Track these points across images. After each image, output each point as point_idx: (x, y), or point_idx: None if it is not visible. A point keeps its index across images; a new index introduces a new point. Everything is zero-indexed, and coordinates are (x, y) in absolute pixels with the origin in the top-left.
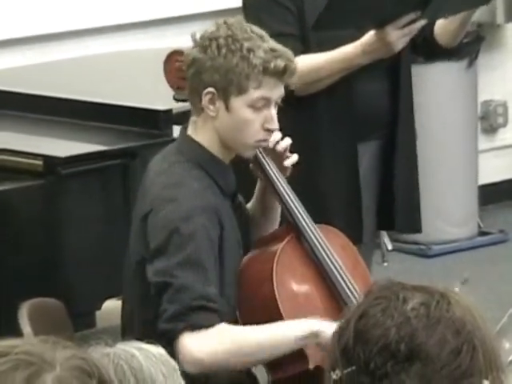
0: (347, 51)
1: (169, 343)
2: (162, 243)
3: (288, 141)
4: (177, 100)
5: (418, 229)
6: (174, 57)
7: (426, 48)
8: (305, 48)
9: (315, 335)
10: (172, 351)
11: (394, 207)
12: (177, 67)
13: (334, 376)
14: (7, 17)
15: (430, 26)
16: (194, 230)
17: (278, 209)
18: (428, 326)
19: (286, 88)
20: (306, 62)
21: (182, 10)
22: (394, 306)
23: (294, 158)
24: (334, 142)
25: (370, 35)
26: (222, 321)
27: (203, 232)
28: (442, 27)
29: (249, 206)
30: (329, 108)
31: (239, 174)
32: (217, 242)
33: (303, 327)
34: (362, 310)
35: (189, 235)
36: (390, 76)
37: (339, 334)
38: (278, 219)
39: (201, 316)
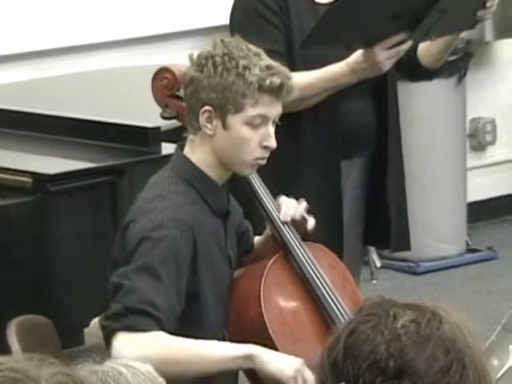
0: (335, 70)
1: (105, 340)
2: (131, 250)
3: (303, 205)
4: (164, 118)
5: (406, 247)
6: (161, 74)
7: (409, 68)
8: (291, 66)
9: (250, 359)
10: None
11: (383, 225)
12: (164, 85)
13: None
14: None
15: (414, 46)
16: (161, 238)
17: None
18: (418, 344)
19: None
20: (295, 79)
21: (172, 27)
22: (385, 322)
23: (312, 221)
24: (317, 159)
25: (357, 54)
26: (161, 329)
27: (171, 243)
28: (425, 49)
29: (256, 239)
30: (313, 126)
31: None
32: (188, 258)
33: (242, 349)
34: (352, 326)
35: (155, 243)
36: (377, 93)
37: (329, 349)
38: None
39: (139, 319)
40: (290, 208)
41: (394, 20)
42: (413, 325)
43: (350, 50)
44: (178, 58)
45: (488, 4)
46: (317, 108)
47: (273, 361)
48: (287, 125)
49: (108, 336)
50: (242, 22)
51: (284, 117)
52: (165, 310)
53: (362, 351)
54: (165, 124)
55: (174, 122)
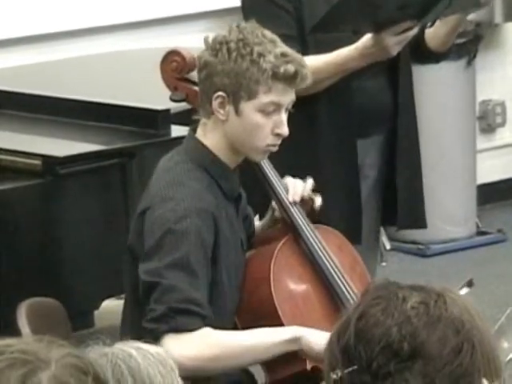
0: (344, 54)
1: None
2: (156, 243)
3: (310, 183)
4: (173, 100)
5: (422, 224)
6: (170, 57)
7: (417, 51)
8: (303, 50)
9: (298, 341)
10: None
11: (398, 203)
12: (173, 67)
13: (334, 376)
14: (3, 17)
15: (422, 29)
16: (187, 231)
17: None
18: (429, 324)
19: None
20: (307, 63)
21: (179, 10)
22: (394, 305)
23: (319, 200)
24: (333, 141)
25: (366, 39)
26: (206, 325)
27: (197, 234)
28: (432, 32)
29: (258, 224)
30: (327, 107)
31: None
32: (210, 246)
33: (287, 332)
34: (361, 309)
35: (182, 236)
36: (391, 72)
37: (338, 333)
38: None
39: (185, 319)
40: (297, 187)
41: (402, 9)
42: (422, 306)
43: (358, 35)
44: (187, 40)
45: None
46: (330, 89)
47: (317, 341)
48: (302, 108)
49: (156, 338)
50: (254, 6)
51: (298, 100)
52: (206, 305)
53: (374, 335)
54: (174, 106)
55: (184, 105)
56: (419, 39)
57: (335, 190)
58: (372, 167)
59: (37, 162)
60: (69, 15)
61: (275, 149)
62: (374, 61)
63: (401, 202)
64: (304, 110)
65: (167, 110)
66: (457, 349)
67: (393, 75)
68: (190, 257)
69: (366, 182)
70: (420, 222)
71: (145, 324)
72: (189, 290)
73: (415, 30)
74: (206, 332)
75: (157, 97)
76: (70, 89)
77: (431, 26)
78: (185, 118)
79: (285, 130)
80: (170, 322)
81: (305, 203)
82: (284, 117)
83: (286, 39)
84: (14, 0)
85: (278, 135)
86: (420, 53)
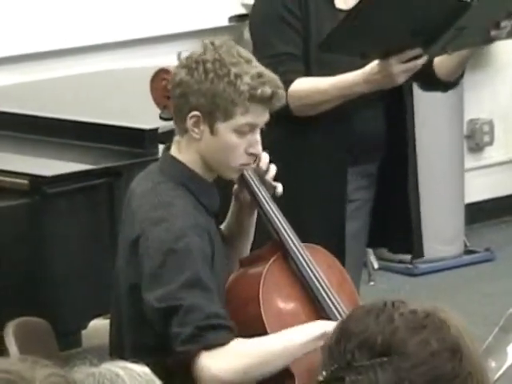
0: (348, 79)
1: (186, 365)
2: (159, 267)
3: (274, 169)
4: (163, 119)
5: (419, 254)
6: (160, 75)
7: (425, 78)
8: (307, 70)
9: (327, 335)
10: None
11: (391, 229)
12: (163, 86)
13: (320, 378)
14: None
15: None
16: (189, 249)
17: (253, 229)
18: (412, 328)
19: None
20: (309, 84)
21: (169, 29)
22: (382, 309)
23: (273, 169)
24: (323, 167)
25: (373, 65)
26: (235, 335)
27: (198, 250)
28: (441, 61)
29: (222, 227)
30: (321, 132)
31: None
32: (210, 259)
33: (315, 329)
34: (349, 313)
35: (184, 255)
36: (389, 102)
37: (329, 337)
38: (251, 240)
39: (214, 335)
40: (266, 158)
41: (411, 35)
42: (410, 315)
43: (365, 60)
44: (168, 60)
45: (502, 24)
46: (326, 115)
47: None
48: (294, 128)
49: (190, 359)
50: (264, 20)
51: (293, 124)
52: (227, 316)
53: (354, 331)
54: (162, 125)
55: (171, 124)
56: (427, 67)
57: (320, 217)
58: (356, 191)
59: (24, 181)
60: (54, 34)
61: (249, 167)
62: (378, 88)
63: (395, 227)
64: (296, 131)
65: (154, 130)
66: (436, 353)
67: (390, 105)
68: (199, 273)
69: (350, 205)
70: (418, 251)
71: (176, 349)
72: (208, 305)
73: (423, 60)
74: (238, 342)
75: (144, 116)
76: (56, 108)
77: (447, 53)
78: (172, 137)
79: (259, 150)
80: (200, 341)
81: (267, 188)
82: (258, 137)
83: (291, 58)
84: None
85: (251, 155)
86: (428, 81)
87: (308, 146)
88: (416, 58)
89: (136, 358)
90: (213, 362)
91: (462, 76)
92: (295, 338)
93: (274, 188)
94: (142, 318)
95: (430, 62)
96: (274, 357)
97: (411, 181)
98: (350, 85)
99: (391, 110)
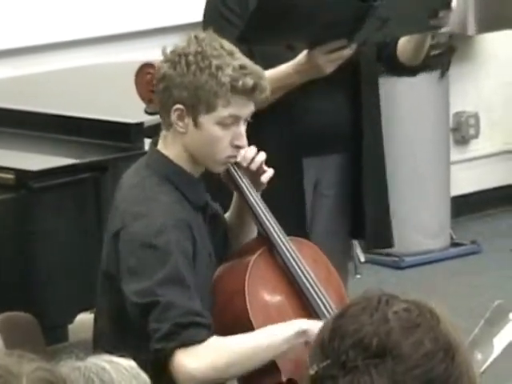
0: (281, 70)
1: (163, 362)
2: (138, 261)
3: (263, 156)
4: (148, 113)
5: (388, 244)
6: (145, 69)
7: (389, 64)
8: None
9: (304, 334)
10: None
11: (365, 223)
12: (148, 80)
13: (311, 371)
14: None
15: (394, 42)
16: (168, 245)
17: None
18: (406, 328)
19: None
20: None
21: (154, 23)
22: (376, 306)
23: (270, 172)
24: (277, 158)
25: (301, 56)
26: (212, 333)
27: (178, 246)
28: (402, 46)
29: (226, 216)
30: (273, 126)
31: (214, 185)
32: (191, 256)
33: (292, 327)
34: (343, 308)
35: (165, 250)
36: (349, 89)
37: (320, 331)
38: (255, 231)
39: (192, 332)
40: (248, 153)
41: (328, 28)
42: (405, 313)
43: (293, 51)
44: (154, 54)
45: (440, 14)
46: (276, 107)
47: None
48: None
49: (166, 356)
50: (206, 18)
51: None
52: (205, 313)
53: (349, 330)
54: (148, 119)
55: (158, 118)
56: (392, 53)
57: (280, 206)
58: (331, 185)
59: (10, 176)
60: (39, 29)
61: (235, 160)
62: (309, 78)
63: (368, 222)
64: (250, 126)
65: (140, 124)
66: (431, 354)
67: (353, 92)
68: (179, 269)
69: (326, 200)
70: (387, 242)
71: (153, 345)
72: (187, 302)
73: (350, 50)
74: (215, 340)
75: (130, 110)
76: (42, 103)
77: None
78: (158, 131)
79: (244, 142)
80: (177, 339)
81: (253, 174)
82: (243, 129)
83: None
84: None
85: (237, 147)
86: (393, 66)
87: (261, 138)
88: (342, 48)
89: (115, 349)
90: (190, 360)
91: (447, 68)
92: (273, 335)
93: (262, 182)
94: (119, 309)
95: (394, 48)
96: (251, 354)
97: (366, 173)
98: (282, 76)
99: (354, 102)
